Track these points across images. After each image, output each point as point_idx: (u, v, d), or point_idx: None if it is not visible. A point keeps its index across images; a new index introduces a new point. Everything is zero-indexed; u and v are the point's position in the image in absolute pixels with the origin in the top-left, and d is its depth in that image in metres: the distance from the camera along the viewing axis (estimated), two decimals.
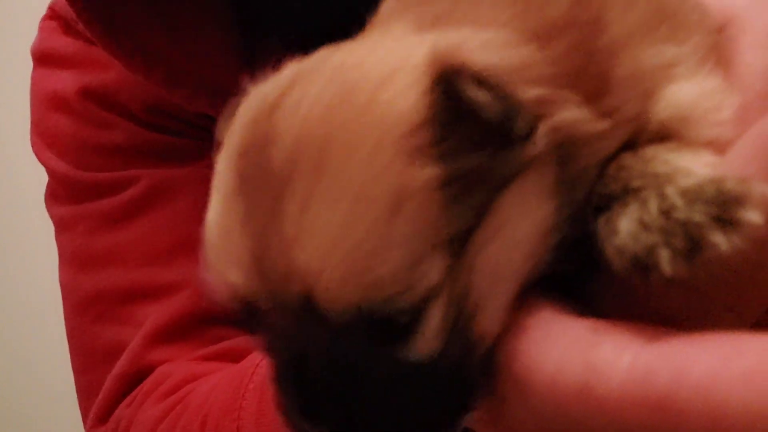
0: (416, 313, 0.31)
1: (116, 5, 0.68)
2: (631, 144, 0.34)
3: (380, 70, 0.32)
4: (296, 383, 0.32)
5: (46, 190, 0.81)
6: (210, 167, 0.77)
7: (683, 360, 0.28)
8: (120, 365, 0.73)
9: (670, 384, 0.28)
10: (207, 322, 0.73)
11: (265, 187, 0.31)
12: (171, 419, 0.67)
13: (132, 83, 0.73)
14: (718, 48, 0.37)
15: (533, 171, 0.32)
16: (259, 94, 0.34)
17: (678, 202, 0.30)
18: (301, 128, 0.31)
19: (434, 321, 0.31)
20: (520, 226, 0.32)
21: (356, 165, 0.30)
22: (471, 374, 0.32)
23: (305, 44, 0.63)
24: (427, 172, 0.30)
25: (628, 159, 0.33)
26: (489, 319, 0.32)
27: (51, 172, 0.79)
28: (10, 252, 1.87)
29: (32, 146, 0.81)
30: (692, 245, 0.29)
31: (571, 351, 0.30)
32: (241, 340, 0.72)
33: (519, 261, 0.32)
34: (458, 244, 0.31)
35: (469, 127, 0.31)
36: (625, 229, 0.30)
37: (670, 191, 0.30)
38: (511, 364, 0.32)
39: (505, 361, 0.32)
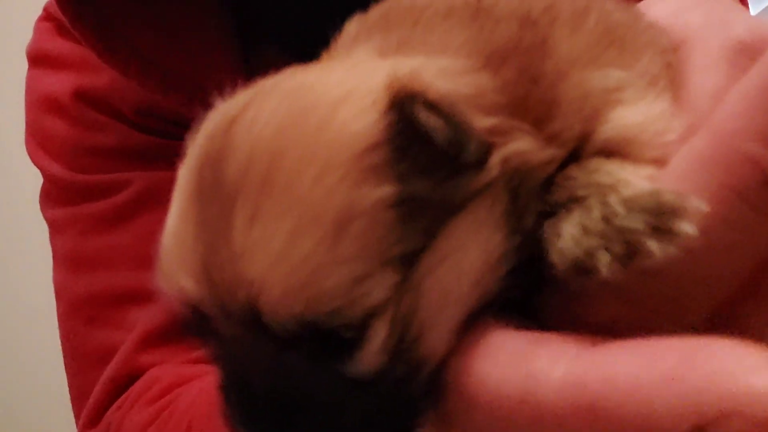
0: (360, 330, 0.31)
1: (109, 11, 0.69)
2: (575, 156, 0.35)
3: (336, 92, 0.32)
4: (239, 394, 0.33)
5: (41, 192, 0.81)
6: None
7: (611, 366, 0.29)
8: (111, 368, 0.74)
9: (599, 390, 0.29)
10: None
11: (218, 198, 0.32)
12: (158, 425, 0.68)
13: (125, 86, 0.74)
14: (671, 68, 0.37)
15: (484, 199, 0.32)
16: (221, 109, 0.35)
17: (619, 209, 0.31)
18: (254, 143, 0.32)
19: (377, 338, 0.31)
20: (469, 253, 0.32)
21: (306, 181, 0.31)
22: (416, 394, 0.33)
23: (301, 50, 0.64)
24: (378, 192, 0.31)
25: (573, 170, 0.34)
26: (434, 341, 0.32)
27: (45, 174, 0.80)
28: (5, 253, 1.88)
29: (27, 147, 0.82)
30: (629, 251, 0.30)
31: (512, 364, 0.31)
32: None
33: (466, 287, 0.33)
34: (406, 266, 0.31)
35: (421, 152, 0.31)
36: (568, 233, 0.32)
37: (612, 199, 0.31)
38: (456, 381, 0.33)
39: (451, 379, 0.33)
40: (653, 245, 0.29)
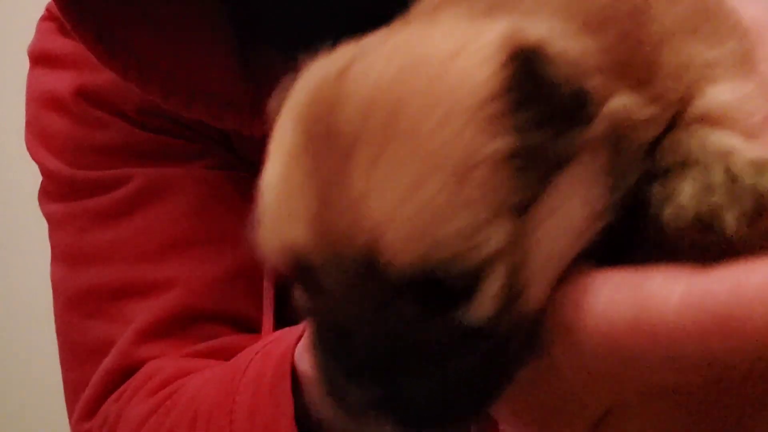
0: (476, 277, 0.32)
1: (108, 16, 0.69)
2: (672, 125, 0.35)
3: (450, 46, 0.33)
4: (342, 347, 0.33)
5: (40, 189, 0.81)
6: (204, 167, 0.78)
7: (738, 277, 0.29)
8: (108, 361, 0.73)
9: (727, 300, 0.28)
10: (197, 320, 0.74)
11: (332, 146, 0.32)
12: (159, 415, 0.68)
13: (127, 85, 0.74)
14: (748, 55, 0.39)
15: (589, 154, 0.33)
16: (320, 67, 0.35)
17: (745, 170, 0.32)
18: (372, 91, 0.32)
19: (493, 286, 0.32)
20: (574, 206, 0.33)
21: (428, 128, 0.31)
22: (521, 344, 0.33)
23: (301, 52, 0.64)
24: (499, 141, 0.31)
25: (681, 135, 0.35)
26: (539, 291, 0.33)
27: (45, 171, 0.80)
28: (4, 250, 1.86)
29: (27, 145, 0.81)
30: (758, 209, 0.31)
31: (621, 289, 0.31)
32: (231, 339, 0.73)
33: (571, 238, 0.33)
34: (519, 216, 0.32)
35: (540, 105, 0.32)
36: (689, 191, 0.32)
37: (736, 161, 0.32)
38: (559, 313, 0.32)
39: (554, 313, 0.33)
40: None
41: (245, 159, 0.78)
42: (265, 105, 0.72)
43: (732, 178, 0.32)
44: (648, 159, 0.35)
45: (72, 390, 0.77)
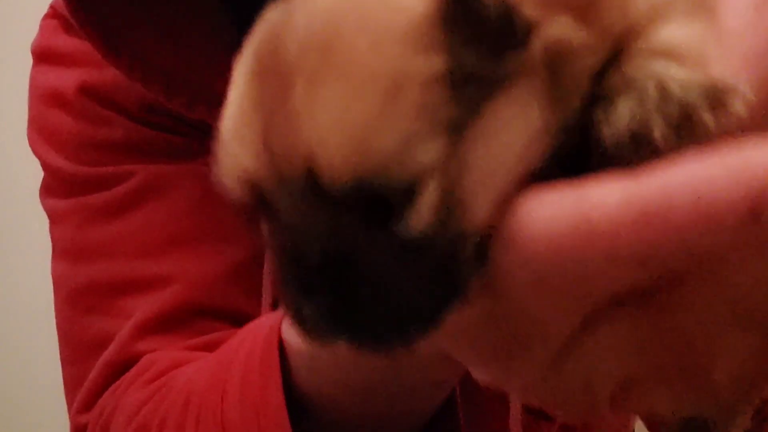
0: (412, 191, 0.33)
1: (115, 17, 0.71)
2: (618, 58, 0.36)
3: None
4: (297, 265, 0.34)
5: (42, 184, 0.82)
6: (206, 165, 0.78)
7: (666, 175, 0.30)
8: (107, 354, 0.74)
9: (655, 197, 0.30)
10: (197, 315, 0.75)
11: (277, 74, 0.34)
12: (154, 402, 0.68)
13: (130, 83, 0.75)
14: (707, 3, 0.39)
15: (528, 78, 0.34)
16: (276, 7, 0.37)
17: (675, 86, 0.33)
18: (310, 21, 0.34)
19: (428, 199, 0.33)
20: (513, 127, 0.34)
21: (361, 50, 0.32)
22: (464, 262, 0.34)
23: None
24: (431, 61, 0.33)
25: (625, 64, 0.36)
26: (479, 209, 0.33)
27: (47, 167, 0.81)
28: (5, 246, 1.87)
29: (29, 141, 0.82)
30: (685, 120, 0.32)
31: (561, 198, 0.32)
32: (228, 333, 0.74)
33: (510, 160, 0.34)
34: (454, 135, 0.33)
35: (471, 27, 0.33)
36: (624, 107, 0.34)
37: (668, 79, 0.34)
38: (503, 229, 0.33)
39: (500, 230, 0.33)
40: (708, 117, 0.32)
41: None
42: None
43: (663, 94, 0.33)
44: (594, 87, 0.35)
45: (72, 384, 0.78)
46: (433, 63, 0.33)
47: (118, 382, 0.73)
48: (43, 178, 0.82)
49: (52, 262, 0.81)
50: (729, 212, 0.28)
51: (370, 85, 0.32)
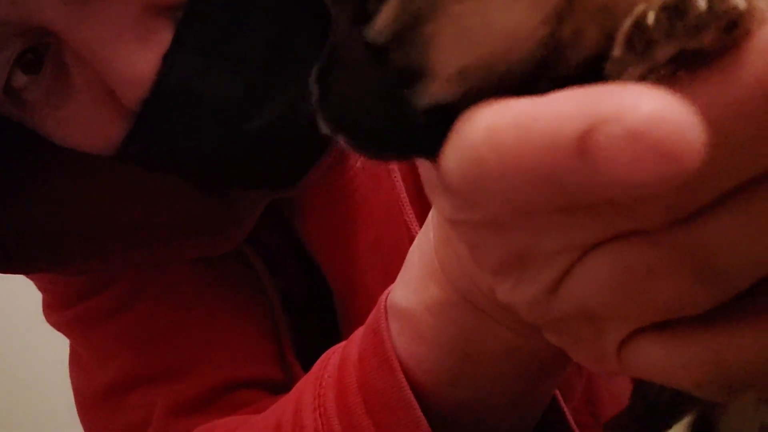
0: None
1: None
2: None
3: None
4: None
5: (43, 306, 0.84)
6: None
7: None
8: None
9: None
10: (231, 390, 0.77)
11: None
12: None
13: None
14: None
15: None
16: None
17: None
18: None
19: (388, 10, 0.32)
20: (505, 9, 0.31)
21: None
22: (410, 103, 0.33)
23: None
24: None
25: None
26: (436, 59, 0.32)
27: (41, 286, 0.84)
28: None
29: None
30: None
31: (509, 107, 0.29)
32: (267, 401, 0.74)
33: (487, 38, 0.32)
34: None
35: None
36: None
37: None
38: (455, 131, 0.31)
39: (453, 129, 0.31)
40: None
41: None
42: (227, 221, 0.74)
43: None
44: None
45: None
46: None
47: None
48: (42, 299, 0.84)
49: (69, 372, 0.83)
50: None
51: None
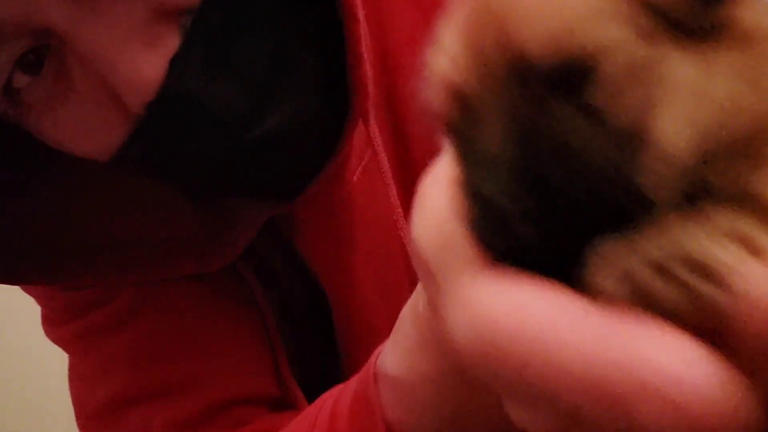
0: (593, 63, 0.32)
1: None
2: None
3: None
4: (491, 159, 0.33)
5: (42, 320, 0.84)
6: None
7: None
8: None
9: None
10: (227, 408, 0.77)
11: None
12: None
13: None
14: None
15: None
16: None
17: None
18: None
19: (608, 70, 0.32)
20: (720, 80, 0.33)
21: None
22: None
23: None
24: None
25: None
26: (666, 123, 0.32)
27: (41, 301, 0.83)
28: None
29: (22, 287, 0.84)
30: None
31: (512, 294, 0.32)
32: (263, 420, 0.76)
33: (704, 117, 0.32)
34: (647, 32, 0.33)
35: None
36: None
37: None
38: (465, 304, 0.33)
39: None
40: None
41: None
42: (223, 237, 0.74)
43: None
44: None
45: None
46: None
47: None
48: (42, 312, 0.84)
49: (69, 386, 0.83)
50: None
51: None
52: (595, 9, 0.33)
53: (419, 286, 0.50)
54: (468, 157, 0.35)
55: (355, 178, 0.76)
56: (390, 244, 0.77)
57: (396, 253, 0.77)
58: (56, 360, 0.87)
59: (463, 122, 0.35)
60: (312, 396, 0.74)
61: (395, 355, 0.53)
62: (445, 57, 0.35)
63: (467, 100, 0.34)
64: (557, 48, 0.32)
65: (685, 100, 0.32)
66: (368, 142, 0.73)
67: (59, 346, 0.84)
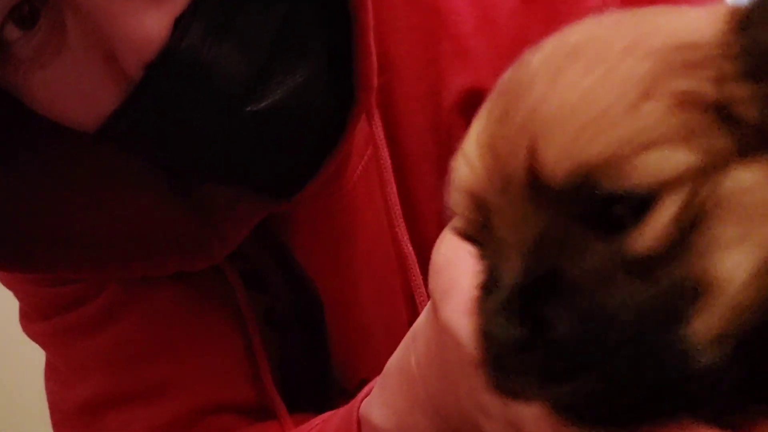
0: (644, 203, 0.30)
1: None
2: None
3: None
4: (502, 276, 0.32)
5: (20, 314, 0.82)
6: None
7: None
8: None
9: None
10: (205, 415, 0.75)
11: (513, 88, 0.33)
12: None
13: None
14: None
15: None
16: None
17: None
18: (551, 46, 0.34)
19: (663, 215, 0.30)
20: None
21: (617, 49, 0.31)
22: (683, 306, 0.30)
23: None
24: (693, 83, 0.31)
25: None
26: (724, 259, 0.30)
27: (20, 295, 0.81)
28: None
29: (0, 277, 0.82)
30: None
31: None
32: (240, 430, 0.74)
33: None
34: (711, 160, 0.30)
35: (750, 60, 0.31)
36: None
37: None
38: None
39: None
40: None
41: None
42: (211, 236, 0.72)
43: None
44: None
45: None
46: (695, 84, 0.31)
47: None
48: (20, 307, 0.81)
49: (45, 384, 0.81)
50: None
51: (617, 81, 0.31)
52: (646, 133, 0.30)
53: (407, 339, 0.49)
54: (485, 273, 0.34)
55: (354, 177, 0.75)
56: (385, 244, 0.76)
57: (390, 254, 0.76)
58: (33, 357, 0.85)
59: (483, 236, 0.34)
60: (297, 402, 0.72)
61: (383, 410, 0.52)
62: (468, 168, 0.34)
63: (488, 214, 0.33)
64: (587, 171, 0.30)
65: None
66: (368, 139, 0.71)
67: (37, 342, 0.81)
